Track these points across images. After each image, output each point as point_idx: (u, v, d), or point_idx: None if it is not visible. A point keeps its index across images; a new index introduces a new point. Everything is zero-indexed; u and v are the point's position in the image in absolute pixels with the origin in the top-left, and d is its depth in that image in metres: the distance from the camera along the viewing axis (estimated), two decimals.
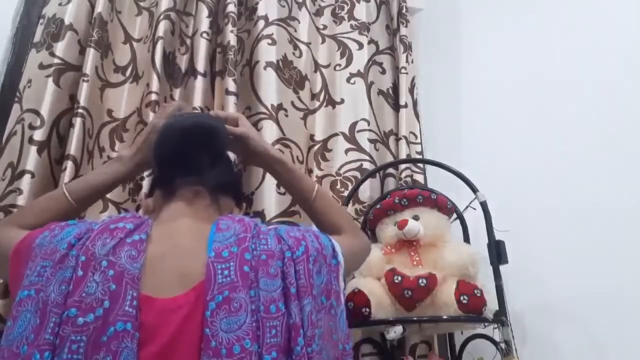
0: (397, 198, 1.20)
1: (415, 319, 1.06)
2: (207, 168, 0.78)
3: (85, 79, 1.20)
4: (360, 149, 1.46)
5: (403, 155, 1.45)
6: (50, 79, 1.17)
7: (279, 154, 0.91)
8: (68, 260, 0.61)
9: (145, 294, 0.60)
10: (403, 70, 1.59)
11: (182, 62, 1.41)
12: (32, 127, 1.13)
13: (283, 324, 0.61)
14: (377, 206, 1.25)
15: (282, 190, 1.27)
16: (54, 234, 0.65)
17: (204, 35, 1.39)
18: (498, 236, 1.14)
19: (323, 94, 1.55)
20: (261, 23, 1.46)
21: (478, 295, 1.02)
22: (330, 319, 0.68)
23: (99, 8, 1.28)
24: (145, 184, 1.17)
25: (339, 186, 1.42)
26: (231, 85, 1.33)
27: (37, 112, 1.14)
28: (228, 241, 0.66)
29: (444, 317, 1.03)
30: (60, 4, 1.28)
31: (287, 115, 1.40)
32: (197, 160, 0.78)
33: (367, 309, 1.04)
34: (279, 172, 0.90)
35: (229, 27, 1.40)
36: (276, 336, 0.59)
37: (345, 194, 1.38)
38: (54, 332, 0.55)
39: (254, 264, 0.64)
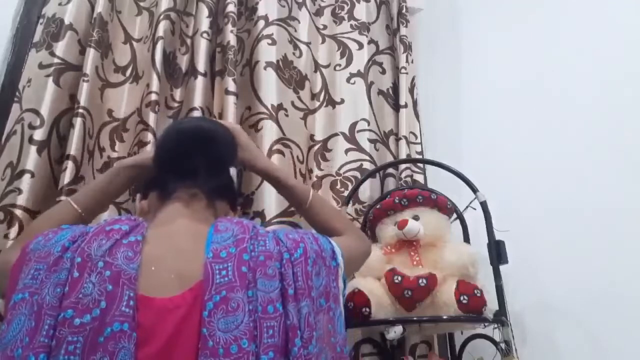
0: (397, 198, 1.20)
1: (415, 319, 1.06)
2: (204, 172, 0.79)
3: (86, 79, 1.20)
4: (360, 149, 1.46)
5: (403, 155, 1.45)
6: (50, 79, 1.17)
7: (268, 167, 0.91)
8: (62, 263, 0.60)
9: (143, 294, 0.60)
10: (403, 70, 1.59)
11: (183, 62, 1.41)
12: (32, 127, 1.13)
13: (280, 325, 0.61)
14: (377, 206, 1.25)
15: None
16: (47, 238, 0.65)
17: (204, 35, 1.39)
18: (498, 236, 1.14)
19: (323, 94, 1.55)
20: (261, 23, 1.46)
21: (478, 295, 1.02)
22: (329, 321, 0.68)
23: (99, 8, 1.28)
24: None
25: (339, 186, 1.42)
26: (231, 85, 1.33)
27: (37, 112, 1.14)
28: (226, 242, 0.66)
29: (444, 317, 1.03)
30: (60, 4, 1.28)
31: (287, 115, 1.40)
32: (194, 163, 0.79)
33: (367, 309, 1.04)
34: (272, 184, 0.92)
35: (229, 27, 1.40)
36: (273, 336, 0.59)
37: (345, 194, 1.38)
38: (49, 334, 0.55)
39: (252, 265, 0.64)
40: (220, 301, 0.59)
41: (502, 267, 1.11)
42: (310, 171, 1.44)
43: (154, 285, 0.61)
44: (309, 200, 0.89)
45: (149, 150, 0.88)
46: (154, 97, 1.25)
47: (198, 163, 0.79)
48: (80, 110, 1.16)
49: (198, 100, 1.31)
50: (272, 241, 0.69)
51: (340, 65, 1.60)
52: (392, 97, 1.62)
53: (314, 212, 0.89)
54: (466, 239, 1.26)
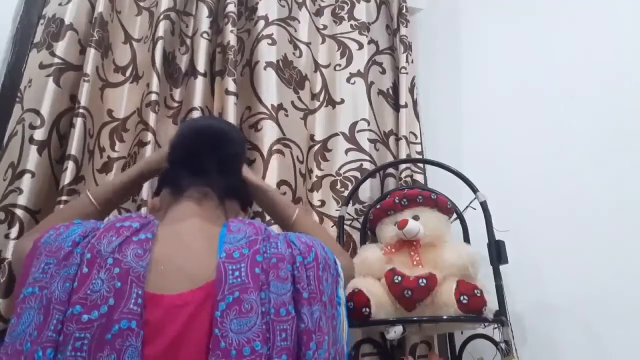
0: (397, 198, 1.20)
1: (415, 319, 1.06)
2: (215, 171, 0.79)
3: (86, 78, 1.20)
4: (360, 149, 1.46)
5: (403, 155, 1.45)
6: (51, 79, 1.17)
7: (260, 181, 0.94)
8: (73, 258, 0.60)
9: (151, 292, 0.60)
10: (403, 70, 1.59)
11: (182, 62, 1.41)
12: (32, 127, 1.13)
13: (293, 328, 0.61)
14: (377, 206, 1.25)
15: (282, 190, 1.28)
16: (58, 232, 0.65)
17: (204, 35, 1.39)
18: (498, 236, 1.14)
19: (323, 94, 1.55)
20: (261, 23, 1.46)
21: (478, 295, 1.02)
22: (333, 329, 0.68)
23: (99, 8, 1.28)
24: (146, 184, 1.17)
25: (339, 186, 1.42)
26: (231, 85, 1.33)
27: (37, 112, 1.14)
28: (239, 243, 0.66)
29: (444, 317, 1.03)
30: (60, 4, 1.28)
31: (287, 115, 1.40)
32: (206, 162, 0.79)
33: (367, 309, 1.03)
34: (258, 198, 0.93)
35: (229, 27, 1.40)
36: (286, 340, 0.59)
37: (345, 194, 1.38)
38: (57, 329, 0.55)
39: (264, 267, 0.64)
40: (233, 302, 0.59)
41: (502, 267, 1.11)
42: (310, 171, 1.44)
43: (162, 283, 0.61)
44: (294, 216, 0.91)
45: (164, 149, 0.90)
46: (154, 97, 1.25)
47: (211, 162, 0.79)
48: (81, 110, 1.16)
49: (197, 100, 1.31)
50: (283, 243, 0.69)
51: (340, 65, 1.60)
52: (392, 97, 1.62)
53: (299, 229, 0.89)
54: (466, 239, 1.26)
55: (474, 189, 1.19)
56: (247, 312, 0.59)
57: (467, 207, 1.24)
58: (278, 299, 0.62)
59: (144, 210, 1.14)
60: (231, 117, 1.29)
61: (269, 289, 0.62)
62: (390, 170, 1.49)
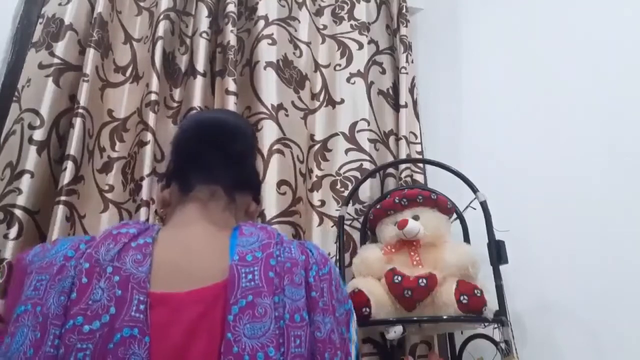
0: (397, 198, 1.20)
1: (415, 319, 1.06)
2: (222, 166, 0.76)
3: (86, 79, 1.20)
4: (360, 149, 1.46)
5: (403, 155, 1.45)
6: (50, 79, 1.17)
7: None
8: (67, 271, 0.59)
9: (158, 292, 0.58)
10: (403, 70, 1.59)
11: (182, 62, 1.41)
12: (31, 127, 1.13)
13: (307, 334, 0.59)
14: (377, 206, 1.25)
15: (282, 190, 1.28)
16: (46, 249, 0.63)
17: (204, 35, 1.39)
18: (498, 236, 1.13)
19: (323, 93, 1.55)
20: (261, 23, 1.46)
21: (478, 295, 1.02)
22: (348, 354, 0.66)
23: (99, 8, 1.28)
24: (145, 184, 1.17)
25: (339, 186, 1.42)
26: (231, 85, 1.33)
27: (36, 112, 1.14)
28: (252, 246, 0.65)
29: (444, 317, 1.03)
30: (60, 4, 1.28)
31: (287, 115, 1.40)
32: (211, 157, 0.76)
33: (367, 309, 1.03)
34: None
35: (229, 27, 1.40)
36: (300, 346, 0.58)
37: (345, 194, 1.38)
38: (54, 344, 0.54)
39: (278, 270, 0.63)
40: (246, 306, 0.58)
41: (502, 267, 1.11)
42: (310, 171, 1.44)
43: (170, 282, 0.60)
44: None
45: None
46: (153, 97, 1.25)
47: (217, 158, 0.77)
48: (80, 111, 1.16)
49: (197, 100, 1.31)
50: (297, 249, 0.67)
51: (340, 65, 1.60)
52: (392, 97, 1.62)
53: None
54: (466, 239, 1.26)
55: (474, 189, 1.19)
56: (260, 317, 0.57)
57: (467, 207, 1.24)
58: (293, 304, 0.60)
59: (143, 210, 1.14)
60: None
61: (283, 294, 0.61)
62: (390, 170, 1.49)
